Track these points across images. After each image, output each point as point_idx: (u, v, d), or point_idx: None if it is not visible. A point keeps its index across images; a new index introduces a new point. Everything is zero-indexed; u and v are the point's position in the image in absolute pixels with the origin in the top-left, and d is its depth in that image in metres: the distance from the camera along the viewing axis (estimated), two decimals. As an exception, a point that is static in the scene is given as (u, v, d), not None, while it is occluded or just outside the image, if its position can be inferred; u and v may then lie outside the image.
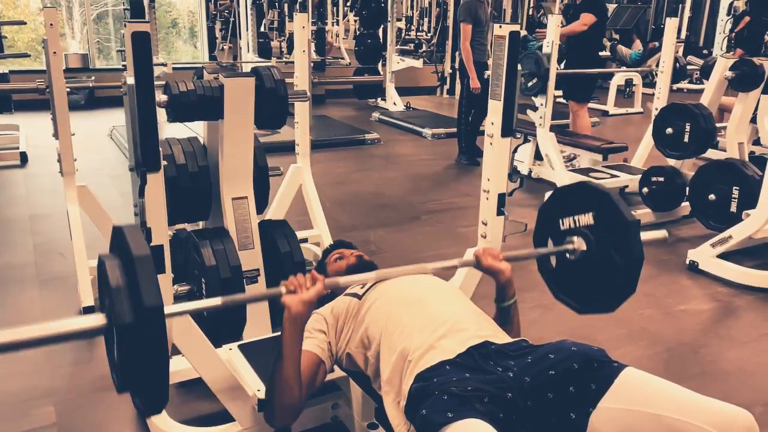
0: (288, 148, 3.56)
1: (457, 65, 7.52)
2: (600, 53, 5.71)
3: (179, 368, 2.07)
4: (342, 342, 1.71)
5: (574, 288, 1.71)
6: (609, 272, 1.58)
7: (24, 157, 5.35)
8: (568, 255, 1.66)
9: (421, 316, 1.57)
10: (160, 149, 1.73)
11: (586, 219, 1.64)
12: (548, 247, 1.74)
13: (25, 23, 8.51)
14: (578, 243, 1.64)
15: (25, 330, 1.02)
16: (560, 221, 1.71)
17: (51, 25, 2.78)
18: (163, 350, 1.07)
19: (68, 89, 2.89)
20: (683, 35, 10.19)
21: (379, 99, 8.53)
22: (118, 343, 1.05)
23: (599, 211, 1.62)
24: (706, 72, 4.47)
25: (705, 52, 9.67)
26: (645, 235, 1.60)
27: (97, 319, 1.08)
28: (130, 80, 1.59)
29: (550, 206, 1.77)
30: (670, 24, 4.64)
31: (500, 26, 1.99)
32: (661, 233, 1.80)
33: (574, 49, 5.36)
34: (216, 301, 1.34)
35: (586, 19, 5.07)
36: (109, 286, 1.05)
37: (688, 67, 5.36)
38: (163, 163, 1.72)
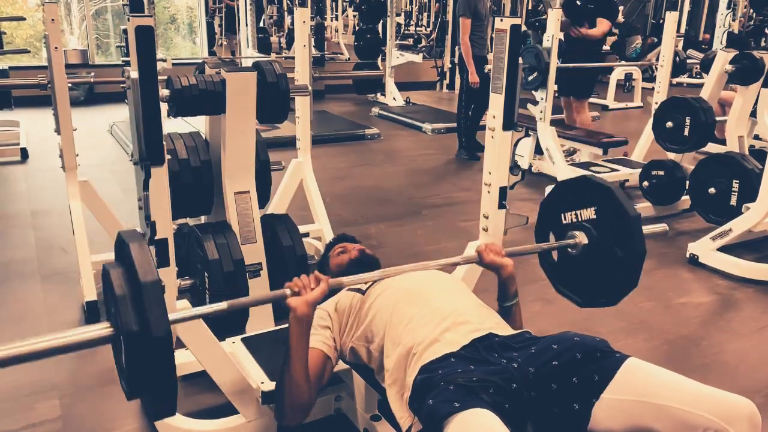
0: (288, 143, 3.57)
1: (456, 60, 7.53)
2: (602, 49, 5.72)
3: (183, 361, 2.08)
4: (346, 337, 1.72)
5: (575, 281, 1.72)
6: (611, 266, 1.59)
7: (24, 153, 5.35)
8: (569, 250, 1.67)
9: (425, 310, 1.58)
10: (164, 143, 1.74)
11: (588, 213, 1.65)
12: (550, 242, 1.75)
13: (24, 19, 8.49)
14: (580, 237, 1.65)
15: (34, 342, 1.08)
16: (562, 215, 1.72)
17: (52, 20, 2.78)
18: (170, 364, 1.12)
19: (69, 85, 2.89)
20: (683, 29, 10.19)
21: (379, 94, 8.53)
22: (126, 357, 1.08)
23: (601, 205, 1.63)
24: (706, 66, 4.46)
25: (704, 46, 9.67)
26: (646, 229, 1.61)
27: (105, 330, 1.12)
28: (134, 74, 1.60)
29: (552, 200, 1.78)
30: (670, 18, 4.64)
31: (501, 20, 1.99)
32: (662, 227, 1.81)
33: (578, 46, 5.35)
34: (222, 305, 1.36)
35: (604, 27, 5.08)
36: (116, 304, 1.08)
37: (688, 61, 5.36)
38: (167, 157, 1.73)
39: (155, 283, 1.08)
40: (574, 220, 1.69)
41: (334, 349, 1.72)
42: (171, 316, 1.16)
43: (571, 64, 4.98)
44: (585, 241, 1.65)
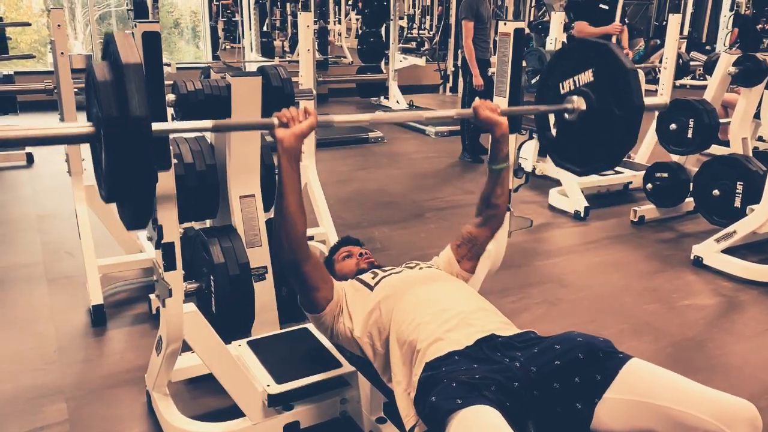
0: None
1: (459, 63, 7.55)
2: None
3: (190, 364, 2.10)
4: (347, 321, 1.74)
5: (574, 151, 1.70)
6: (609, 126, 1.58)
7: (30, 158, 5.37)
8: (567, 115, 1.66)
9: (430, 310, 1.60)
10: (170, 148, 1.75)
11: (586, 77, 1.63)
12: (547, 105, 1.73)
13: (29, 24, 8.55)
14: (578, 102, 1.64)
15: (16, 130, 1.08)
16: (560, 85, 1.70)
17: (59, 26, 2.80)
18: (147, 159, 1.09)
19: (74, 90, 2.90)
20: (686, 31, 10.18)
21: (382, 97, 8.54)
22: (105, 150, 1.07)
23: (598, 65, 1.61)
24: (709, 68, 4.46)
25: (708, 48, 9.66)
26: (647, 100, 1.60)
27: (86, 127, 1.11)
28: (141, 79, 1.61)
29: (550, 71, 1.76)
30: (673, 20, 4.64)
31: (505, 23, 2.00)
32: (663, 100, 1.81)
33: None
34: (207, 123, 1.40)
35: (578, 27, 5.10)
36: (96, 93, 1.07)
37: (691, 63, 5.36)
38: (173, 161, 1.74)
39: (137, 66, 1.04)
40: (572, 87, 1.67)
41: (337, 298, 1.75)
42: (156, 126, 1.14)
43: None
44: (582, 105, 1.63)
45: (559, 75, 1.71)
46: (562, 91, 1.70)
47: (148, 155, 1.07)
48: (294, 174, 1.55)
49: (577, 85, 1.66)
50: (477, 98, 1.77)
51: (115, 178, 1.08)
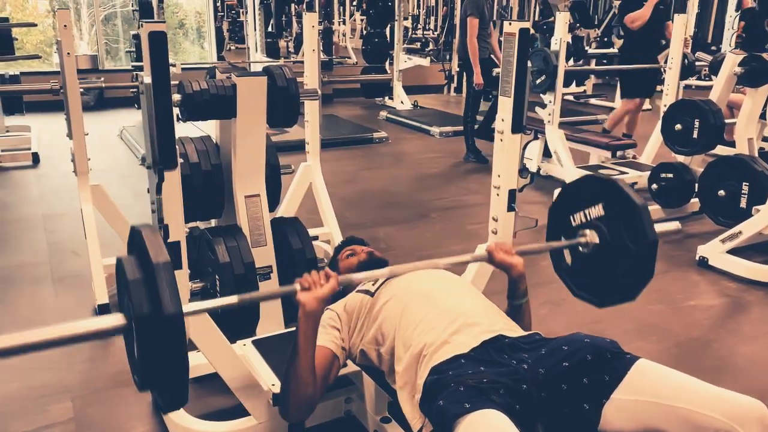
0: (298, 146, 3.59)
1: (461, 62, 7.55)
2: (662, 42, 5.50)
3: (195, 364, 2.10)
4: (356, 338, 1.73)
5: (591, 283, 1.70)
6: (625, 261, 1.57)
7: (36, 158, 5.40)
8: (581, 248, 1.66)
9: (435, 312, 1.59)
10: (176, 147, 1.76)
11: (597, 211, 1.64)
12: (560, 241, 1.74)
13: (35, 25, 8.59)
14: (591, 236, 1.64)
15: (45, 331, 1.03)
16: (571, 218, 1.72)
17: (65, 26, 2.81)
18: (182, 350, 1.10)
19: (80, 90, 2.92)
20: (691, 31, 10.15)
21: (387, 98, 8.55)
22: (138, 343, 1.08)
23: (608, 200, 1.61)
24: (714, 68, 4.45)
25: (713, 48, 9.62)
26: (658, 227, 1.60)
27: (117, 319, 1.11)
28: (147, 80, 1.62)
29: (560, 204, 1.78)
30: (679, 20, 4.63)
31: (510, 23, 2.00)
32: (674, 225, 1.80)
33: (632, 40, 5.29)
34: (232, 299, 1.36)
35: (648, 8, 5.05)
36: (128, 289, 1.08)
37: (697, 63, 5.34)
38: (179, 161, 1.75)
39: (167, 264, 1.07)
40: (584, 220, 1.68)
41: (342, 349, 1.73)
42: (183, 309, 1.14)
43: (577, 67, 4.97)
44: (595, 238, 1.64)
45: (569, 207, 1.72)
46: (573, 224, 1.70)
47: (181, 346, 1.09)
48: (311, 339, 1.55)
49: (589, 219, 1.66)
50: (492, 242, 1.76)
51: (149, 367, 1.10)
